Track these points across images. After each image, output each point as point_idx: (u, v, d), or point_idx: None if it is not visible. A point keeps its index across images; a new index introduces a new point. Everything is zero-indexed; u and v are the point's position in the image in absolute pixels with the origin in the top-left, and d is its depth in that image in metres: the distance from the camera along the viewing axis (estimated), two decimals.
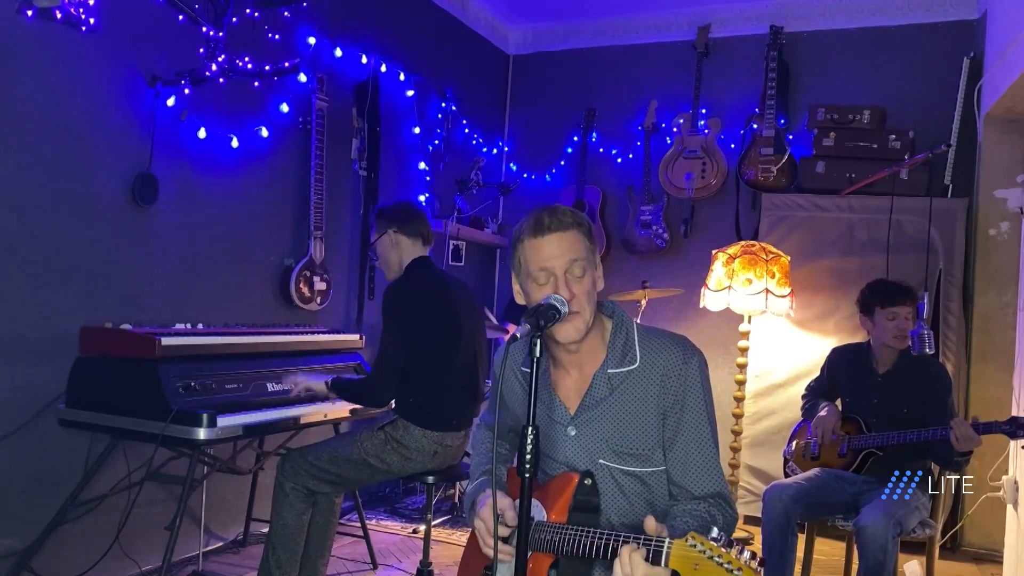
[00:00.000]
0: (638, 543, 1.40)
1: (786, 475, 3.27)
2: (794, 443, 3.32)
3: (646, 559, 1.38)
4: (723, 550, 1.30)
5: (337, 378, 2.90)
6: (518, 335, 1.55)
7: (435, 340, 2.83)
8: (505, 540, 1.66)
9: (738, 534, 3.68)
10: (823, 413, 3.16)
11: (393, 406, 2.90)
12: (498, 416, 1.80)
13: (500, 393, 1.77)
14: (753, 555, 1.30)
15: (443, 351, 2.85)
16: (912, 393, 3.04)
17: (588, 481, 1.64)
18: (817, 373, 3.43)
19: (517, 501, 1.70)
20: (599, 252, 1.77)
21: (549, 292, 1.61)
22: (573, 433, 1.70)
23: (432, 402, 2.81)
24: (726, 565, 1.29)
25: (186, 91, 3.22)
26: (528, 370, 1.75)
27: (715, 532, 1.33)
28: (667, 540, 1.37)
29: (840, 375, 3.29)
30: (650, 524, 1.41)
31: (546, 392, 1.75)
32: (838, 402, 3.28)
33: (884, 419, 3.05)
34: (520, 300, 1.73)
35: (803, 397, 3.43)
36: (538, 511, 1.67)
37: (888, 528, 2.66)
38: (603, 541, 1.50)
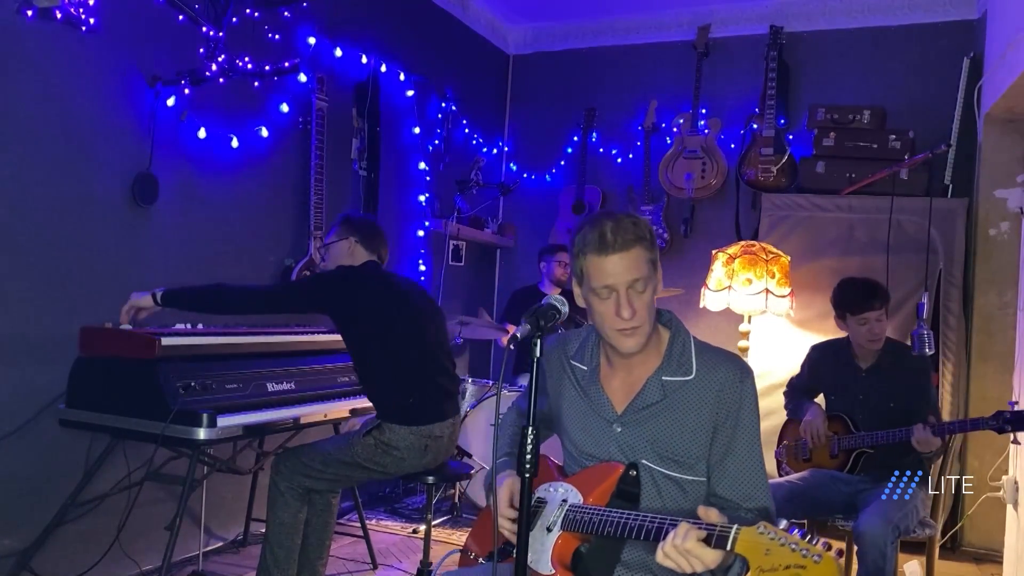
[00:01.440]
0: (699, 527, 1.40)
1: (780, 476, 3.27)
2: (784, 443, 3.32)
3: (705, 541, 1.38)
4: (797, 537, 1.27)
5: (172, 289, 2.74)
6: (518, 335, 1.55)
7: (397, 337, 2.82)
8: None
9: None
10: (809, 417, 3.16)
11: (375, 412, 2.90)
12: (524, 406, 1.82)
13: (536, 381, 1.71)
14: (830, 546, 1.26)
15: (408, 347, 2.84)
16: (897, 387, 3.04)
17: (633, 472, 1.67)
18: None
19: (544, 485, 1.74)
20: None
21: (612, 308, 1.63)
22: (619, 430, 1.73)
23: (409, 399, 2.80)
24: (803, 551, 1.25)
25: (186, 91, 3.22)
26: (580, 364, 1.80)
27: (784, 524, 1.32)
28: (735, 526, 1.37)
29: (823, 373, 3.29)
30: (712, 513, 1.42)
31: (594, 388, 1.77)
32: (821, 399, 3.28)
33: (871, 415, 3.04)
34: (581, 303, 1.75)
35: (785, 395, 3.44)
36: (573, 495, 1.70)
37: (887, 533, 2.65)
38: (655, 525, 1.51)
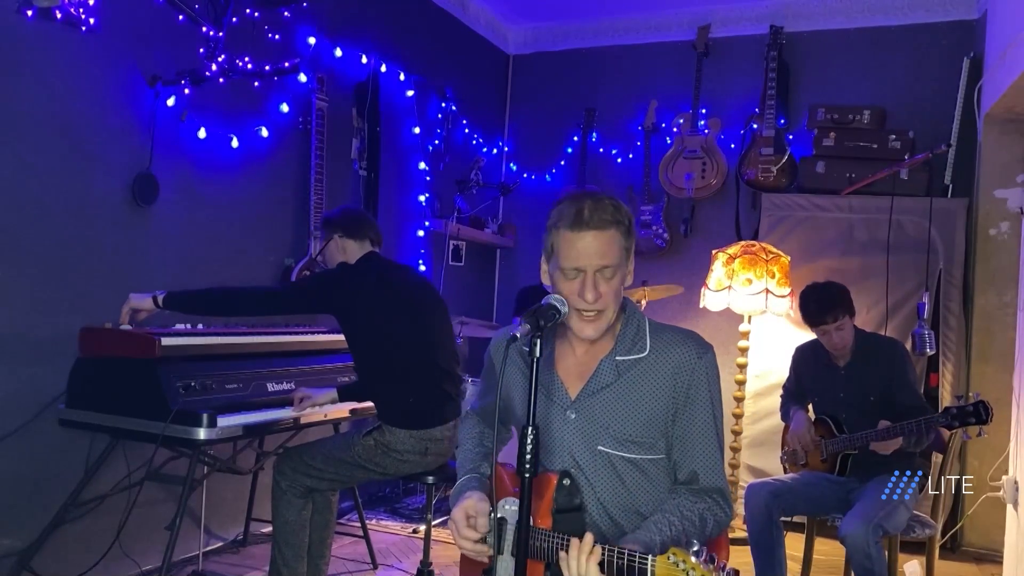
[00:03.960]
0: (623, 555, 1.42)
1: None
2: (784, 450, 3.34)
3: (623, 572, 1.42)
4: (702, 567, 1.34)
5: (175, 292, 2.80)
6: (518, 335, 1.54)
7: (397, 337, 2.81)
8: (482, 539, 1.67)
9: (738, 535, 3.68)
10: (793, 428, 3.18)
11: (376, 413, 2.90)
12: (497, 413, 1.78)
13: (498, 380, 1.72)
14: (734, 572, 1.33)
15: (408, 348, 2.83)
16: (875, 380, 3.04)
17: (567, 481, 1.64)
18: None
19: (501, 502, 1.70)
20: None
21: (576, 288, 1.60)
22: (573, 417, 1.69)
23: (410, 402, 2.80)
24: None
25: (186, 91, 3.22)
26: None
27: (696, 546, 1.36)
28: (650, 557, 1.40)
29: (805, 375, 3.30)
30: (588, 539, 1.46)
31: (547, 372, 1.73)
32: (810, 406, 3.30)
33: (854, 412, 3.04)
34: (545, 280, 1.72)
35: (781, 398, 3.45)
36: None
37: (868, 534, 2.65)
38: (558, 544, 1.52)
